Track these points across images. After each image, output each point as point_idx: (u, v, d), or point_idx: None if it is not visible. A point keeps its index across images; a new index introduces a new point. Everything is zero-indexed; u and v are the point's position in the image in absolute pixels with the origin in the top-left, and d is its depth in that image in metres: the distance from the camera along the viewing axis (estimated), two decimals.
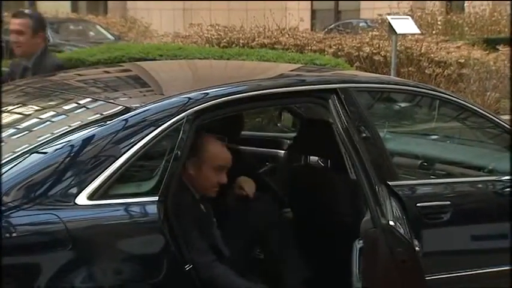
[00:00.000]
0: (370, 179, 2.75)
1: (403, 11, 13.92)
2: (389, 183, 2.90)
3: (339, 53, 9.68)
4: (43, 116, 2.85)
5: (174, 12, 20.81)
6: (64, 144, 2.47)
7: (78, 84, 3.35)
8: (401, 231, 2.65)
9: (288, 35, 10.42)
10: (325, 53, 9.48)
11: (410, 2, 14.99)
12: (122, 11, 21.26)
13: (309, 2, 21.67)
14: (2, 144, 2.48)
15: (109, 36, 16.40)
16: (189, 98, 2.71)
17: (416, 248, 2.69)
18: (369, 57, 9.60)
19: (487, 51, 9.68)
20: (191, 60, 6.07)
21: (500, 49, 9.55)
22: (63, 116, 2.84)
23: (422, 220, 2.94)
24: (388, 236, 2.58)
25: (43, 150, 2.45)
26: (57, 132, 2.55)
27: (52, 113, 2.89)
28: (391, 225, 2.60)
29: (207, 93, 2.76)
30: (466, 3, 15.30)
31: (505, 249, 3.20)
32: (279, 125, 4.59)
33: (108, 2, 22.68)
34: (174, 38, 12.08)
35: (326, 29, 14.52)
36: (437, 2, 14.48)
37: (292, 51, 9.39)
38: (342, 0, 21.29)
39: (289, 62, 7.30)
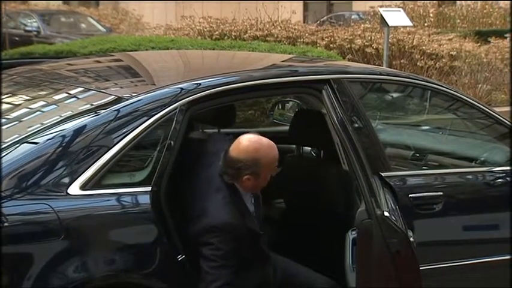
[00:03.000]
0: (365, 170, 2.75)
1: (395, 3, 13.93)
2: (382, 174, 2.90)
3: (331, 45, 9.67)
4: (34, 106, 2.83)
5: (166, 4, 20.71)
6: (55, 134, 2.46)
7: (69, 73, 3.33)
8: (396, 222, 2.65)
9: (280, 27, 10.39)
10: (318, 45, 9.46)
11: None
12: (113, 4, 21.14)
13: None
14: None
15: (100, 28, 16.32)
16: (182, 89, 2.70)
17: (411, 239, 2.69)
18: (361, 50, 9.59)
19: (479, 44, 9.71)
20: (183, 51, 6.04)
21: (492, 41, 9.57)
22: (54, 106, 2.82)
23: (414, 211, 2.95)
24: (383, 226, 2.58)
25: (34, 140, 2.43)
26: (48, 122, 2.54)
27: (43, 102, 2.87)
28: (386, 216, 2.60)
29: (200, 84, 2.75)
30: None
31: (497, 240, 3.21)
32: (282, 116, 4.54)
33: None
34: (166, 30, 12.03)
35: (318, 21, 14.50)
36: None
37: (285, 44, 9.36)
38: None
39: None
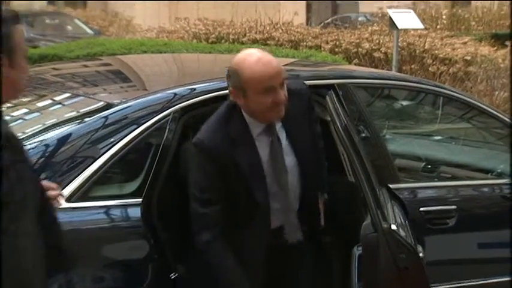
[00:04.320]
0: (371, 181, 2.76)
1: (405, 3, 13.99)
2: (391, 186, 2.90)
3: (336, 49, 9.69)
4: (15, 114, 2.83)
5: (159, 5, 20.81)
6: (38, 143, 2.47)
7: (54, 79, 3.35)
8: (404, 236, 2.65)
9: (282, 29, 10.43)
10: (322, 49, 9.49)
11: None
12: (102, 4, 21.23)
13: None
14: None
15: (88, 30, 16.38)
16: (175, 94, 2.71)
17: (420, 255, 2.70)
18: (369, 54, 9.61)
19: (495, 48, 9.73)
20: (177, 54, 6.06)
21: (510, 45, 9.60)
22: (38, 113, 2.84)
23: (425, 225, 2.95)
24: (390, 241, 2.59)
25: None
26: (31, 131, 2.55)
27: (25, 110, 2.88)
28: (393, 230, 2.61)
29: (194, 89, 2.76)
30: None
31: None
32: None
33: None
34: (159, 33, 12.07)
35: (322, 24, 14.57)
36: None
37: (286, 48, 9.39)
38: None
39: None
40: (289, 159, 2.57)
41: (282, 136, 2.58)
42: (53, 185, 2.05)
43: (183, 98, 2.70)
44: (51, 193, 2.09)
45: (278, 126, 2.58)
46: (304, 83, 2.73)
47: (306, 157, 2.60)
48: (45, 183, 2.05)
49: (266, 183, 2.52)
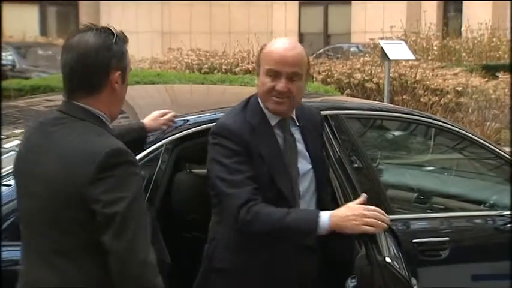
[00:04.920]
0: None
1: (397, 35, 14.10)
2: None
3: (329, 79, 9.76)
4: (7, 146, 2.82)
5: (152, 36, 20.92)
6: None
7: (47, 110, 3.34)
8: (398, 268, 2.64)
9: None
10: (314, 79, 9.56)
11: (404, 26, 15.19)
12: None
13: (296, 24, 21.91)
14: None
15: None
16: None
17: (415, 287, 2.69)
18: (361, 84, 9.68)
19: (486, 79, 9.81)
20: (170, 85, 6.08)
21: (500, 76, 9.68)
22: None
23: (419, 257, 2.95)
24: (385, 273, 2.58)
25: (7, 183, 2.43)
26: None
27: (17, 142, 2.87)
28: (388, 262, 2.60)
29: (188, 120, 2.77)
30: (463, 28, 15.55)
31: None
32: None
33: (80, 24, 22.75)
34: (152, 63, 12.14)
35: (315, 54, 14.67)
36: (432, 26, 14.67)
37: None
38: (332, 22, 21.56)
39: None
40: (304, 163, 2.54)
41: (298, 138, 2.56)
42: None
43: (176, 129, 2.70)
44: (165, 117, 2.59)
45: (294, 128, 2.56)
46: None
47: (319, 167, 2.58)
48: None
49: (288, 171, 2.48)
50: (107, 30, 2.00)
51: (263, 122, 2.49)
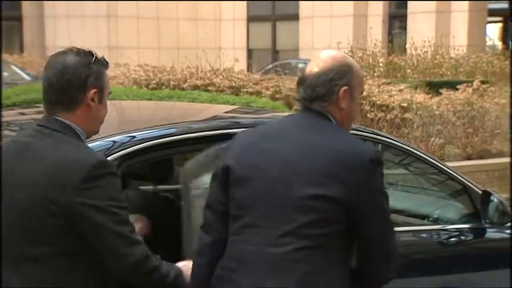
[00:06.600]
0: None
1: (344, 51, 14.27)
2: None
3: (277, 95, 9.82)
4: None
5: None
6: None
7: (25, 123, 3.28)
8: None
9: (222, 76, 10.52)
10: (263, 95, 9.61)
11: (351, 42, 15.43)
12: (39, 50, 21.00)
13: (245, 40, 22.02)
14: None
15: (25, 76, 16.12)
16: (114, 142, 2.70)
17: None
18: None
19: (430, 95, 10.01)
20: (117, 101, 6.02)
21: (443, 93, 9.89)
22: None
23: None
24: None
25: None
26: None
27: None
28: None
29: (134, 136, 2.75)
30: (407, 45, 15.87)
31: None
32: None
33: (24, 39, 22.38)
34: None
35: (263, 70, 14.75)
36: (378, 43, 14.93)
37: (227, 94, 9.46)
38: (279, 38, 21.73)
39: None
40: None
41: None
42: None
43: (123, 145, 2.68)
44: None
45: None
46: None
47: None
48: None
49: None
50: (87, 52, 2.15)
51: None
